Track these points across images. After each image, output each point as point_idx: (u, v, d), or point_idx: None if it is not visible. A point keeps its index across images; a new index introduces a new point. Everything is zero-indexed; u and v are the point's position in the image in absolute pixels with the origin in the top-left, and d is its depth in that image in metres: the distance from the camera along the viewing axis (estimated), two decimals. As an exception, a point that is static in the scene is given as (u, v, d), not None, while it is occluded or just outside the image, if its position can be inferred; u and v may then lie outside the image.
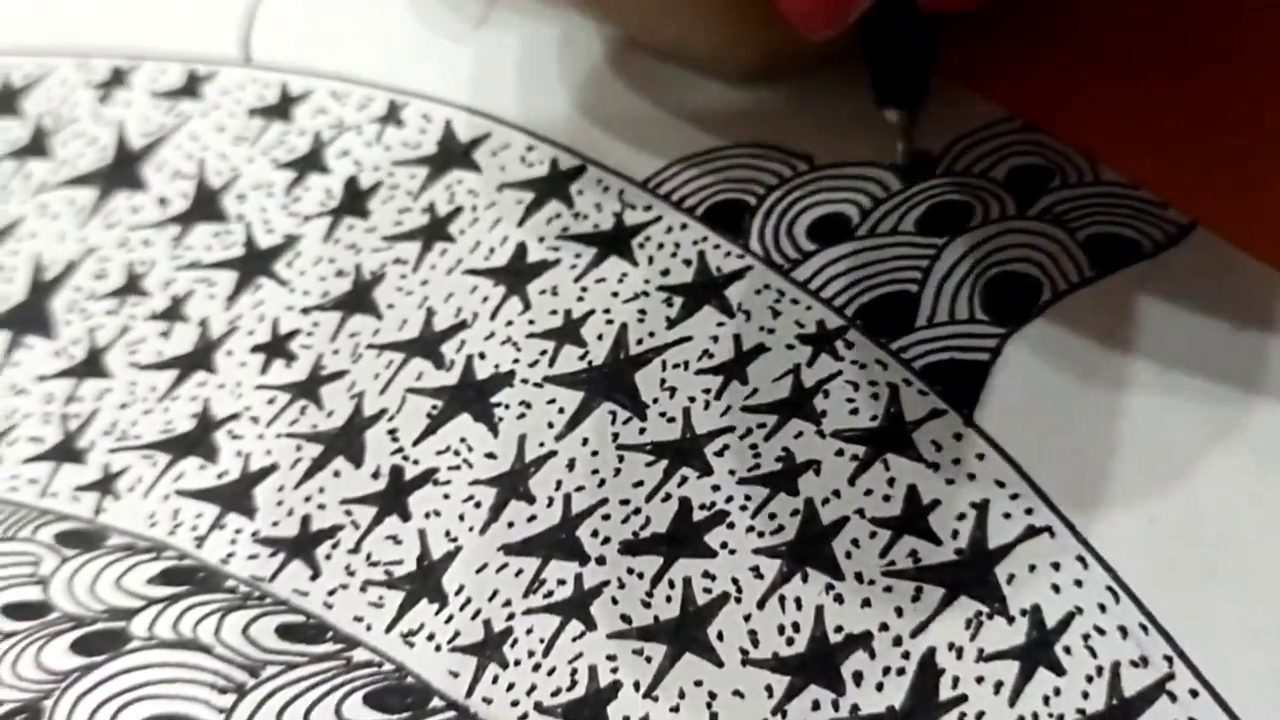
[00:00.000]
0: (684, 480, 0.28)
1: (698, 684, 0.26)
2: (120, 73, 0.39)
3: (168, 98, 0.38)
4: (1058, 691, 0.25)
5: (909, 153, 0.32)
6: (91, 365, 0.33)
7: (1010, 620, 0.26)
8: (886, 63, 0.30)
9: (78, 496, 0.30)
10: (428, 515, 0.29)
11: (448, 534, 0.28)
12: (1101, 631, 0.25)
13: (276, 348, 0.32)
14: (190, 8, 0.39)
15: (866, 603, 0.26)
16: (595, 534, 0.28)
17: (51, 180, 0.36)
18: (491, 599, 0.27)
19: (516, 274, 0.32)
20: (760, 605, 0.26)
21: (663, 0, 0.33)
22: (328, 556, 0.29)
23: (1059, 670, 0.25)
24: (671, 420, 0.29)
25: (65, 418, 0.32)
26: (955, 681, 0.25)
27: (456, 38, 0.37)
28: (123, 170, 0.36)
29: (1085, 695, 0.25)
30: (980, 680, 0.25)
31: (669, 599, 0.27)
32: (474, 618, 0.27)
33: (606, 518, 0.28)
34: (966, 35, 0.33)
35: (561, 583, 0.27)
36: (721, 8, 0.32)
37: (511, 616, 0.27)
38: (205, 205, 0.35)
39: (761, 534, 0.27)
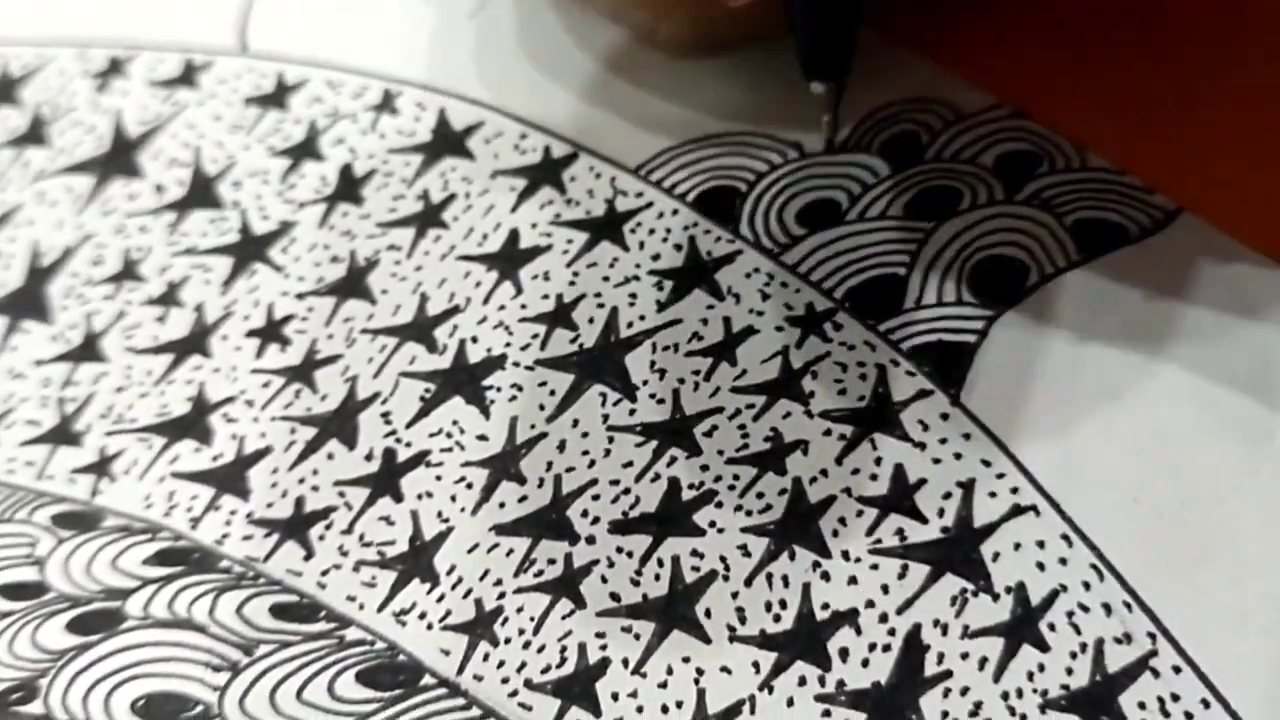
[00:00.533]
0: (673, 460, 0.28)
1: (685, 660, 0.26)
2: (118, 62, 0.39)
3: (165, 87, 0.38)
4: (1042, 667, 0.25)
5: (834, 126, 0.32)
6: (88, 350, 0.33)
7: (995, 597, 0.26)
8: (811, 34, 0.30)
9: (74, 479, 0.31)
10: (420, 496, 0.29)
11: (440, 515, 0.29)
12: (1085, 609, 0.25)
13: (271, 332, 0.32)
14: (187, -2, 0.40)
15: (853, 580, 0.26)
16: (585, 514, 0.28)
17: (49, 168, 0.37)
18: (482, 578, 0.28)
19: (509, 259, 0.32)
20: (748, 583, 0.27)
21: None
22: (321, 537, 0.29)
23: (1043, 647, 0.25)
24: (661, 402, 0.29)
25: (62, 401, 0.32)
26: (940, 658, 0.25)
27: (451, 27, 0.38)
28: (120, 158, 0.37)
29: (1069, 671, 0.25)
30: (965, 656, 0.25)
31: (658, 577, 0.27)
32: (465, 597, 0.27)
33: (596, 498, 0.28)
34: (956, 23, 0.34)
35: (551, 562, 0.28)
36: None
37: (502, 595, 0.27)
38: (201, 192, 0.35)
39: (749, 513, 0.27)
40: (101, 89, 0.38)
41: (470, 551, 0.28)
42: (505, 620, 0.27)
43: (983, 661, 0.25)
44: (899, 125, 0.33)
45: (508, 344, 0.31)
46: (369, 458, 0.30)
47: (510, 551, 0.28)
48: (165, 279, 0.34)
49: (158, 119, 0.37)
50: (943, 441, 0.28)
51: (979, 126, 0.33)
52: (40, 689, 0.27)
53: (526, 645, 0.27)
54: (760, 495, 0.28)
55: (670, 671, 0.26)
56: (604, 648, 0.26)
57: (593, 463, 0.29)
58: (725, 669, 0.26)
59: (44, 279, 0.34)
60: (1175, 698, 0.24)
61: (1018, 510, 0.27)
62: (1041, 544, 0.26)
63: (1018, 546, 0.26)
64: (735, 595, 0.27)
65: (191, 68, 0.38)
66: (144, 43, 0.39)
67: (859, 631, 0.26)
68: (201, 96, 0.37)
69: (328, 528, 0.29)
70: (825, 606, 0.26)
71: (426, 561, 0.28)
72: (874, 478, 0.28)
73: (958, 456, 0.28)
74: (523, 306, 0.31)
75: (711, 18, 0.33)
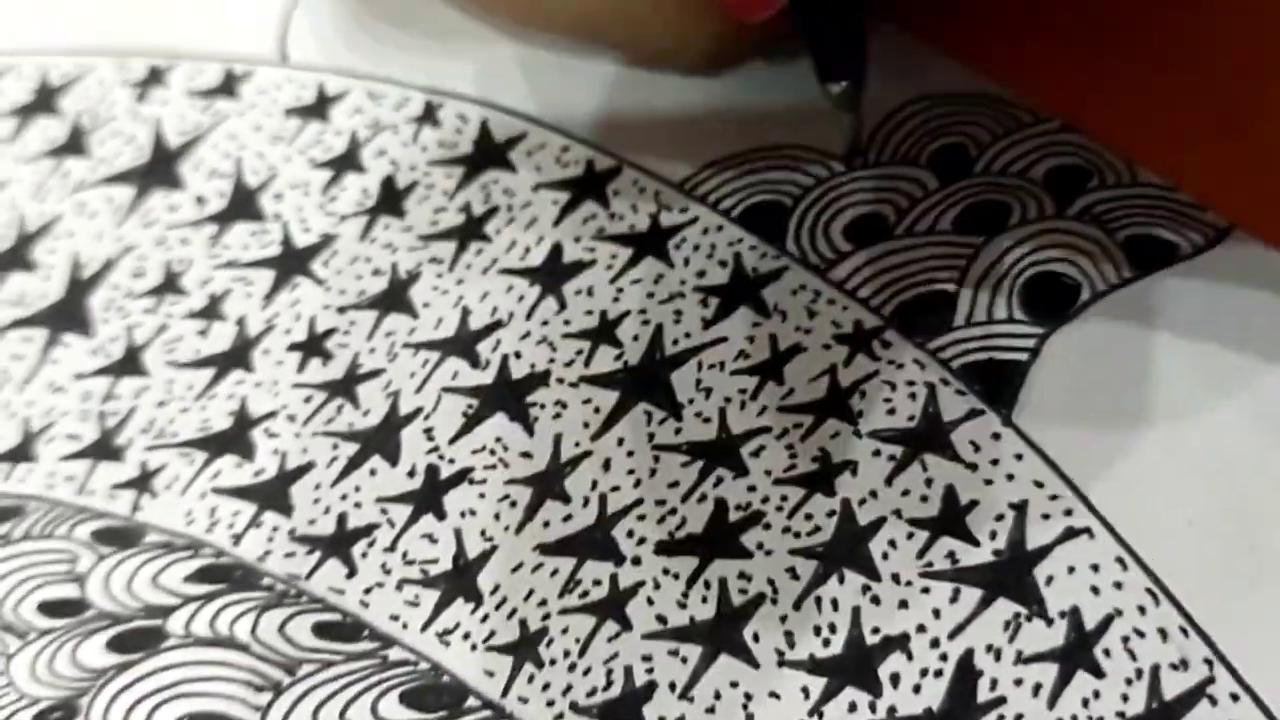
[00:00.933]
0: (720, 481, 0.28)
1: (734, 685, 0.26)
2: (157, 72, 0.39)
3: (205, 97, 0.38)
4: (1097, 694, 0.25)
5: (855, 129, 0.32)
6: (129, 363, 0.33)
7: (1049, 622, 0.25)
8: (824, 36, 0.31)
9: (115, 494, 0.31)
10: (463, 514, 0.29)
11: (483, 533, 0.28)
12: (1141, 634, 0.25)
13: (313, 346, 0.32)
14: (227, 8, 0.40)
15: (904, 604, 0.26)
16: (631, 534, 0.28)
17: (89, 179, 0.37)
18: (527, 598, 0.27)
19: (552, 274, 0.32)
20: (796, 606, 0.26)
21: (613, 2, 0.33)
22: (364, 555, 0.29)
23: (1098, 673, 0.25)
24: (707, 421, 0.29)
25: (103, 415, 0.32)
26: (994, 684, 0.25)
27: (493, 38, 0.37)
28: (160, 169, 0.36)
29: (1125, 698, 0.24)
30: (1019, 682, 0.25)
31: (705, 600, 0.27)
32: (509, 617, 0.27)
33: (642, 518, 0.28)
34: (1004, 35, 0.33)
35: (597, 583, 0.27)
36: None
37: (547, 616, 0.27)
38: (242, 204, 0.35)
39: (798, 535, 0.27)
40: (141, 99, 0.38)
41: (514, 571, 0.28)
42: (550, 641, 0.27)
43: (1037, 688, 0.25)
44: (947, 138, 0.33)
45: (551, 360, 0.31)
46: (411, 474, 0.30)
47: (555, 571, 0.28)
48: (207, 292, 0.34)
49: (198, 129, 0.37)
50: (994, 462, 0.27)
51: (1028, 140, 0.32)
52: (80, 708, 0.27)
53: (572, 667, 0.26)
54: (809, 517, 0.27)
55: (718, 696, 0.26)
56: (650, 671, 0.26)
57: (638, 482, 0.28)
58: (774, 694, 0.25)
59: (84, 291, 0.34)
60: (1234, 726, 0.24)
61: (1071, 533, 0.26)
62: (1096, 567, 0.26)
63: (1072, 570, 0.26)
64: (784, 619, 0.26)
65: (231, 78, 0.38)
66: (183, 52, 0.39)
67: (910, 657, 0.25)
68: (242, 107, 0.37)
69: (370, 545, 0.29)
70: (875, 631, 0.26)
71: (470, 581, 0.28)
72: (924, 499, 0.27)
73: (1010, 478, 0.27)
74: (566, 322, 0.31)
75: (733, 34, 0.33)
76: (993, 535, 0.26)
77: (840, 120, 0.32)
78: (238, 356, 0.32)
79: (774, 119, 0.34)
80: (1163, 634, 0.25)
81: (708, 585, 0.27)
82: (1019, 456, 0.27)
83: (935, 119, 0.33)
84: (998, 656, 0.25)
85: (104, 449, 0.31)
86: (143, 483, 0.31)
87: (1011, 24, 0.34)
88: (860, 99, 0.31)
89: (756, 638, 0.26)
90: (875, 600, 0.26)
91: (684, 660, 0.26)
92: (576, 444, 0.29)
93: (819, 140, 0.33)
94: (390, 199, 0.34)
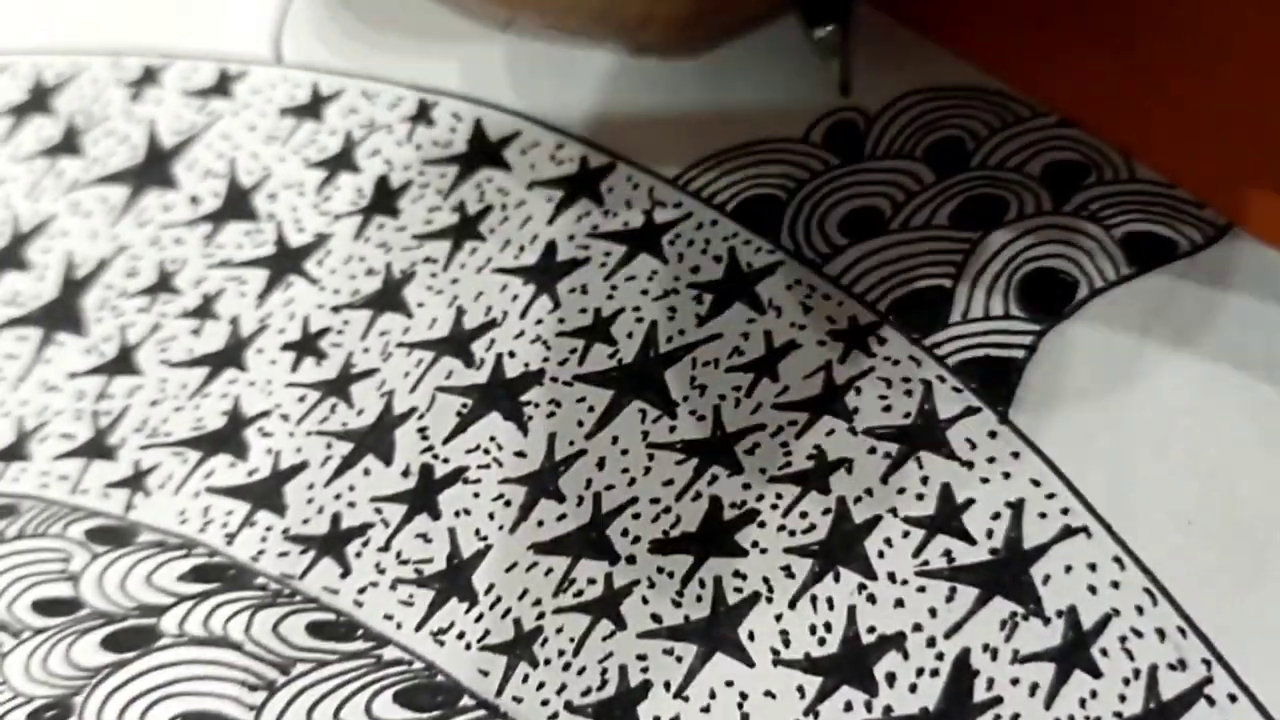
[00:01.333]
0: (714, 479, 0.28)
1: (729, 684, 0.26)
2: (152, 71, 0.39)
3: (199, 96, 0.38)
4: (1094, 694, 0.24)
5: (845, 71, 0.31)
6: (123, 362, 0.33)
7: (1046, 621, 0.25)
8: None
9: (108, 493, 0.30)
10: (458, 514, 0.29)
11: (478, 532, 0.28)
12: (1139, 634, 0.25)
13: (307, 346, 0.32)
14: (222, 7, 0.39)
15: (899, 603, 0.26)
16: (625, 533, 0.28)
17: (83, 178, 0.37)
18: (521, 598, 0.27)
19: (546, 272, 0.32)
20: (792, 605, 0.26)
21: None
22: (358, 554, 0.29)
23: (1095, 673, 0.25)
24: (702, 418, 0.29)
25: (96, 415, 0.32)
26: (990, 683, 0.25)
27: (487, 37, 0.37)
28: (154, 168, 0.36)
29: (1122, 698, 0.24)
30: (1015, 682, 0.25)
31: (699, 598, 0.27)
32: (504, 616, 0.27)
33: (636, 516, 0.28)
34: (1003, 29, 0.33)
35: (591, 582, 0.27)
36: None
37: (541, 615, 0.27)
38: (236, 204, 0.35)
39: (793, 533, 0.27)
40: (135, 98, 0.38)
41: (509, 570, 0.28)
42: (545, 641, 0.27)
43: (1034, 687, 0.25)
44: (944, 131, 0.32)
45: (545, 359, 0.30)
46: (406, 474, 0.29)
47: (549, 571, 0.27)
48: (200, 291, 0.33)
49: (192, 129, 0.37)
50: (991, 460, 0.27)
51: (1026, 134, 0.32)
52: (74, 707, 0.27)
53: (567, 667, 0.26)
54: (804, 515, 0.27)
55: (713, 695, 0.25)
56: (645, 670, 0.26)
57: (633, 480, 0.28)
58: (769, 693, 0.25)
59: (78, 291, 0.34)
60: (1231, 726, 0.24)
61: (1069, 532, 0.26)
62: (1093, 567, 0.26)
63: (1069, 569, 0.26)
64: (779, 618, 0.26)
65: (226, 77, 0.38)
66: (178, 51, 0.39)
67: (906, 656, 0.25)
68: (236, 106, 0.37)
69: (364, 545, 0.29)
70: (871, 630, 0.26)
71: (464, 580, 0.28)
72: (920, 497, 0.27)
73: (1006, 476, 0.27)
74: (560, 321, 0.31)
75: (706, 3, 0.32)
76: (989, 534, 0.26)
77: (829, 67, 0.31)
78: (231, 356, 0.32)
79: (767, 113, 0.33)
80: (1160, 634, 0.25)
81: (702, 584, 0.27)
82: (1015, 454, 0.27)
83: (932, 112, 0.33)
84: (994, 656, 0.25)
85: (97, 448, 0.31)
86: (136, 482, 0.30)
87: (1010, 18, 0.34)
88: (846, 43, 0.31)
89: (752, 636, 0.26)
90: (871, 599, 0.26)
91: (679, 659, 0.26)
92: (571, 443, 0.29)
93: (814, 132, 0.33)
94: (384, 198, 0.34)
